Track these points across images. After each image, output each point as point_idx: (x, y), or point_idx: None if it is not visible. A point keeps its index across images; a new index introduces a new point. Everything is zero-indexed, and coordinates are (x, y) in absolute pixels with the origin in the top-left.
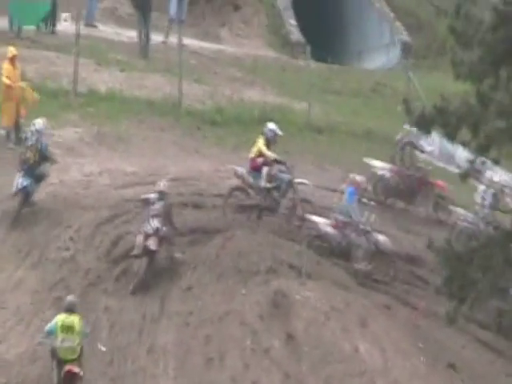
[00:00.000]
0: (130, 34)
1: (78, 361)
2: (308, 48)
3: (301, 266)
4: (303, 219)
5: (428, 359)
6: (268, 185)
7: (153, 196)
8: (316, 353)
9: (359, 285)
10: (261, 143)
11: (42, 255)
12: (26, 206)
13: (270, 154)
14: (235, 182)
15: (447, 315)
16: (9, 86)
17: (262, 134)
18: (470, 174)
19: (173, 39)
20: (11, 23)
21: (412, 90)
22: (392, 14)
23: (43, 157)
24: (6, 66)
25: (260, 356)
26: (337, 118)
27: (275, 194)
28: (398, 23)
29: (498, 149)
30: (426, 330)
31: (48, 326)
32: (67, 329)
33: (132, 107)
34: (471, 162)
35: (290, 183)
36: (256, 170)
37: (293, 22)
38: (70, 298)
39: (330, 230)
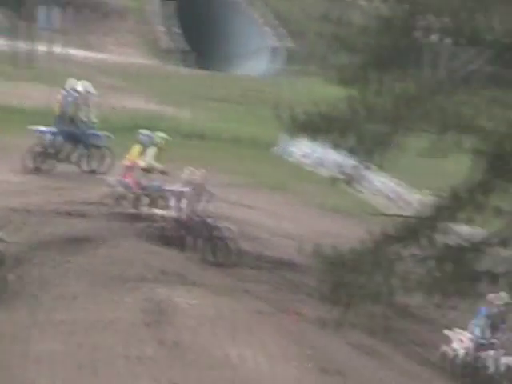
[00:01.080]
0: None
1: None
2: (179, 55)
3: (185, 274)
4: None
5: (315, 366)
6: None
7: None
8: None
9: (245, 292)
10: (137, 151)
11: None
12: None
13: (156, 165)
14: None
15: (331, 322)
16: None
17: (139, 141)
18: (352, 178)
19: (41, 47)
20: None
21: (283, 95)
22: (262, 20)
23: None
24: None
25: (135, 364)
26: (205, 124)
27: (145, 201)
28: (266, 28)
29: (381, 154)
30: (312, 337)
31: None
32: None
33: None
34: (355, 167)
35: (160, 191)
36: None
37: (162, 28)
38: None
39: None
